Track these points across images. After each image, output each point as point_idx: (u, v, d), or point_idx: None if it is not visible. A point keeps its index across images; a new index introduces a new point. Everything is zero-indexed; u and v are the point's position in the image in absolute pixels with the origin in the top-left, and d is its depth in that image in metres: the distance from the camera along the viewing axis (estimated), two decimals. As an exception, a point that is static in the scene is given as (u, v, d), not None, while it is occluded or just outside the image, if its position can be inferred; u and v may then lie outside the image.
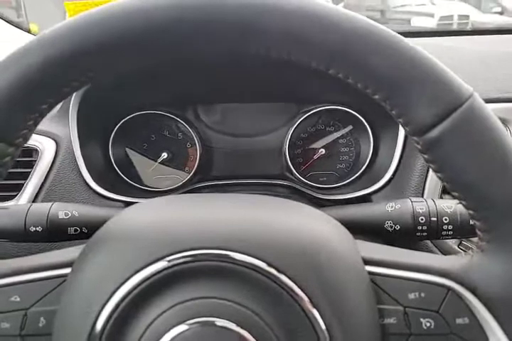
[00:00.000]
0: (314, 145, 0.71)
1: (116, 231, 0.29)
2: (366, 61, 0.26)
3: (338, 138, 0.70)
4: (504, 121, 0.48)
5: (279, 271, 0.26)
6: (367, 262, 0.30)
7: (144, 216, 0.30)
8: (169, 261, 0.26)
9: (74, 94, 0.55)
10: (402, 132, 0.59)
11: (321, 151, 0.70)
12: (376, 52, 0.26)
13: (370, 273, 0.30)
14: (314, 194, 0.66)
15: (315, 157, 0.70)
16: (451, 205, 0.40)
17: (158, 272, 0.26)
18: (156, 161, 0.69)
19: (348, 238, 0.33)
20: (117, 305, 0.26)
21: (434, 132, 0.27)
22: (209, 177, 0.71)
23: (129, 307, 0.26)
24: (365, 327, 0.27)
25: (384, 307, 0.29)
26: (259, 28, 0.26)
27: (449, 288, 0.28)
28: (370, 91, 0.27)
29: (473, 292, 0.28)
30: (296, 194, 0.69)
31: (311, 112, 0.67)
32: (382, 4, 5.71)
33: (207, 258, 0.27)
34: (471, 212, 0.29)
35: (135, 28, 0.25)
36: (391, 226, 0.41)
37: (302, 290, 0.26)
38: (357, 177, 0.66)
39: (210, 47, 0.27)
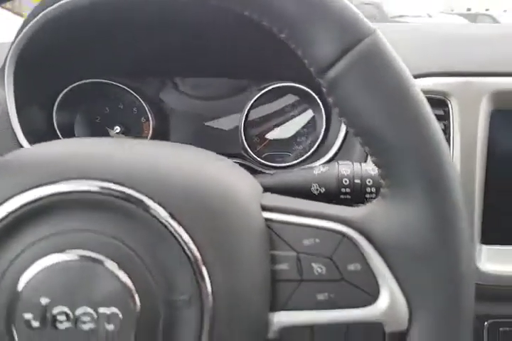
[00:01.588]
0: (270, 125, 0.70)
1: (1, 161, 0.28)
2: None
3: (295, 117, 0.69)
4: (446, 95, 0.48)
5: (165, 209, 0.25)
6: (265, 209, 0.29)
7: (35, 148, 0.29)
8: (48, 190, 0.25)
9: (10, 53, 0.53)
10: None
11: (277, 131, 0.69)
12: None
13: (267, 219, 0.28)
14: (269, 172, 0.65)
15: (271, 137, 0.70)
16: (375, 168, 0.39)
17: (34, 201, 0.25)
18: (108, 134, 0.68)
19: (253, 187, 0.31)
20: None
21: (333, 71, 0.26)
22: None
23: None
24: (252, 273, 0.26)
25: (277, 253, 0.28)
26: None
27: (344, 234, 0.27)
28: (276, 30, 0.27)
29: (368, 238, 0.27)
30: (252, 173, 0.68)
31: (267, 89, 0.66)
32: (379, 14, 5.77)
33: (89, 189, 0.25)
34: (374, 158, 0.28)
35: None
36: (316, 189, 0.40)
37: (186, 230, 0.25)
38: (310, 154, 0.66)
39: None
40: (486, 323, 0.54)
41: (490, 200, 0.50)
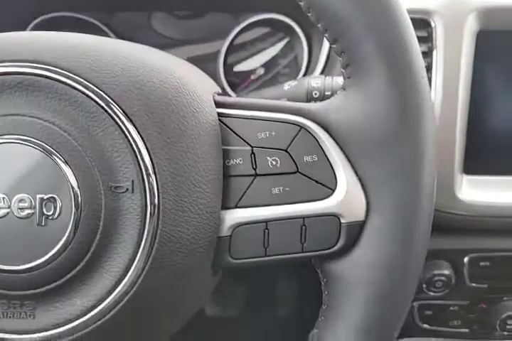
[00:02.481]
0: (252, 64, 0.66)
1: None
2: None
3: (278, 57, 0.66)
4: (429, 14, 0.45)
5: (112, 98, 0.23)
6: (218, 104, 0.27)
7: None
8: None
9: None
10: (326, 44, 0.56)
11: (260, 71, 0.66)
12: None
13: (220, 114, 0.27)
14: None
15: (253, 77, 0.66)
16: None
17: None
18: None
19: (207, 84, 0.30)
20: None
21: None
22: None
23: None
24: (202, 167, 0.25)
25: (231, 148, 0.26)
26: None
27: (301, 126, 0.26)
28: None
29: (326, 128, 0.25)
30: None
31: (248, 22, 0.62)
32: None
33: (25, 71, 0.23)
34: (335, 45, 0.26)
35: None
36: (285, 105, 0.38)
37: (130, 118, 0.23)
38: None
39: None
40: (465, 258, 0.54)
41: (473, 129, 0.48)
